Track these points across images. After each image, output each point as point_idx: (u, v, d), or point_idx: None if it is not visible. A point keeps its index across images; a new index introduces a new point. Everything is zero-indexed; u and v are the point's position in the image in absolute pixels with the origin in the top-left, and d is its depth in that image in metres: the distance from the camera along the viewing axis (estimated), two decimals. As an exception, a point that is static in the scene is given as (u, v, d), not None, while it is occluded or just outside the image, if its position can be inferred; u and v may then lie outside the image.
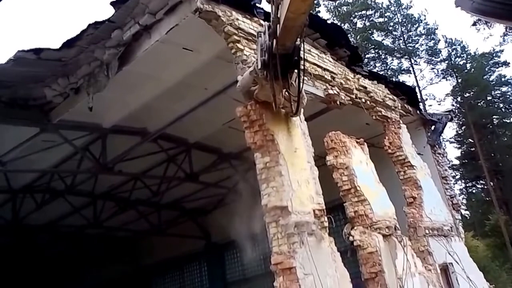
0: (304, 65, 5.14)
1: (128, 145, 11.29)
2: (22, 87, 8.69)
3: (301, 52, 5.03)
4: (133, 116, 10.16)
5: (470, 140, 36.59)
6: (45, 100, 9.16)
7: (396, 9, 40.29)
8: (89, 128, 10.58)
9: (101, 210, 15.33)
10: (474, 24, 36.59)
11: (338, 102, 8.94)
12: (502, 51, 37.58)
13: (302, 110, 6.61)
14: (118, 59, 7.91)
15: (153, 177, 13.78)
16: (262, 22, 7.15)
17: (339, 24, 29.99)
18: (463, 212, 30.77)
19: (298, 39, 4.86)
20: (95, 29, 7.36)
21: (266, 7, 7.58)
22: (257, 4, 7.57)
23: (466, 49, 39.57)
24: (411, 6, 40.26)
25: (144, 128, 11.07)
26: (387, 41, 39.77)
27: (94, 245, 16.84)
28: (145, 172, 13.40)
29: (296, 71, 5.25)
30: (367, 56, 36.51)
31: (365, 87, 9.90)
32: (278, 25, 4.62)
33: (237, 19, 7.15)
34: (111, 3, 7.03)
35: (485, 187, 35.89)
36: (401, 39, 39.67)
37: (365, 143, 8.94)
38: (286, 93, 5.57)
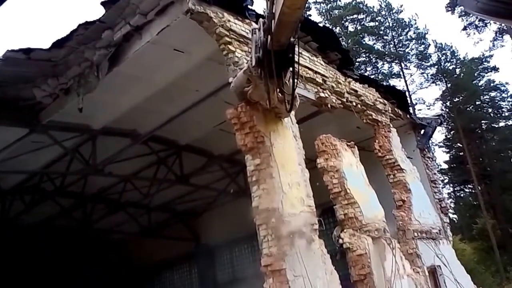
0: (298, 61, 5.10)
1: (119, 147, 11.23)
2: (11, 87, 8.60)
3: (296, 49, 5.00)
4: (124, 117, 10.11)
5: (458, 144, 36.93)
6: (35, 101, 9.08)
7: (387, 14, 40.65)
8: (79, 129, 10.50)
9: (91, 211, 15.23)
10: (465, 28, 37.15)
11: (329, 105, 8.98)
12: (492, 56, 38.08)
13: (294, 110, 6.60)
14: (109, 60, 7.86)
15: (144, 179, 13.72)
16: (254, 24, 7.16)
17: (330, 27, 30.13)
18: (451, 215, 31.11)
19: (292, 37, 4.84)
20: (85, 29, 7.31)
21: (258, 8, 7.62)
22: (248, 6, 7.58)
23: (455, 54, 40.06)
24: (402, 11, 40.75)
25: (135, 130, 11.01)
26: (378, 45, 40.15)
27: (84, 247, 16.70)
28: (135, 174, 13.35)
29: (290, 69, 5.22)
30: (358, 60, 36.74)
31: (356, 91, 9.98)
32: (273, 21, 4.59)
33: (229, 20, 7.15)
34: (102, 3, 7.00)
35: (473, 191, 36.24)
36: (391, 44, 40.03)
37: (356, 146, 9.00)
38: (279, 93, 5.54)
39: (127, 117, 10.11)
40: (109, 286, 16.60)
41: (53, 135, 10.10)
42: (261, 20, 5.12)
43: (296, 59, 5.06)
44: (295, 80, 5.17)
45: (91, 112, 9.24)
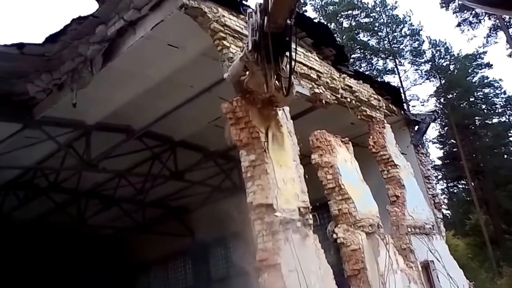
0: (296, 43, 5.00)
1: (113, 143, 11.20)
2: (4, 82, 8.54)
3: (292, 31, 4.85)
4: (118, 113, 10.07)
5: (452, 140, 37.12)
6: (28, 96, 9.02)
7: (381, 10, 40.69)
8: (73, 124, 10.45)
9: (85, 207, 15.18)
10: (459, 25, 37.28)
11: (323, 101, 8.99)
12: (485, 52, 38.27)
13: (291, 97, 6.48)
14: (102, 55, 7.83)
15: (138, 175, 13.69)
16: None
17: (325, 23, 30.13)
18: (445, 211, 31.14)
19: (289, 19, 4.72)
20: (79, 24, 7.27)
21: (253, 4, 7.59)
22: (243, 1, 7.55)
23: (449, 51, 40.20)
24: (396, 7, 40.79)
25: (129, 126, 10.98)
26: (373, 42, 40.22)
27: (78, 242, 16.65)
28: (130, 170, 13.31)
29: (287, 55, 5.07)
30: (352, 56, 36.77)
31: (351, 87, 9.99)
32: (269, 1, 4.49)
33: (224, 16, 7.14)
34: (96, -2, 6.96)
35: (466, 187, 36.48)
36: (386, 40, 40.09)
37: (350, 142, 9.04)
38: (277, 81, 5.44)
39: (121, 113, 10.08)
40: (103, 282, 16.59)
41: (46, 131, 10.05)
42: (257, 2, 4.94)
43: (293, 46, 4.94)
44: (292, 64, 5.00)
45: (85, 107, 9.20)
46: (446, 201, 36.45)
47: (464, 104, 38.36)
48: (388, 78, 37.68)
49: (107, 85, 8.83)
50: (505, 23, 31.77)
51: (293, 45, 4.94)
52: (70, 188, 13.73)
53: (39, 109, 9.34)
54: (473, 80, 38.73)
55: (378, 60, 40.37)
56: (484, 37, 37.54)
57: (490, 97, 39.29)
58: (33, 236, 15.33)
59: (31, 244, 15.44)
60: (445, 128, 38.55)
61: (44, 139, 10.29)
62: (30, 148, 10.69)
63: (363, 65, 38.72)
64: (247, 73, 5.86)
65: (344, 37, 37.31)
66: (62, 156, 11.49)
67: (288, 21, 4.67)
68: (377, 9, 40.67)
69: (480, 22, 36.28)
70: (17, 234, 14.85)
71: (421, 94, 65.22)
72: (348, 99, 9.83)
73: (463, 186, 38.76)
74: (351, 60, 34.21)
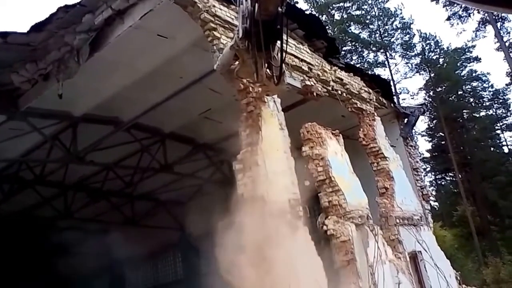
0: (287, 33, 4.94)
1: (100, 135, 11.04)
2: (-13, 72, 8.34)
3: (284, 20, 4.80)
4: (105, 104, 9.91)
5: (440, 133, 37.47)
6: (13, 86, 8.82)
7: (373, 3, 40.66)
8: (59, 116, 10.27)
9: (72, 201, 14.99)
10: (448, 18, 37.47)
11: (314, 94, 8.96)
12: (474, 46, 38.60)
13: (283, 85, 6.40)
14: (89, 45, 7.67)
15: (126, 167, 13.54)
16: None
17: (317, 15, 30.01)
18: (432, 203, 31.53)
19: (280, 7, 4.68)
20: (65, 12, 7.11)
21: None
22: (234, -9, 7.44)
23: (439, 44, 40.39)
24: (388, 0, 40.81)
25: (117, 117, 10.82)
26: (364, 34, 40.21)
27: (65, 236, 16.48)
28: (118, 163, 13.15)
29: (278, 43, 5.07)
30: (344, 48, 36.74)
31: (342, 79, 9.98)
32: None
33: (214, 6, 7.04)
34: (82, -14, 6.80)
35: (454, 179, 36.93)
36: (377, 33, 40.12)
37: (341, 135, 9.04)
38: (268, 69, 5.38)
39: (109, 104, 9.92)
40: (92, 276, 16.49)
41: (32, 122, 9.86)
42: None
43: (285, 26, 4.85)
44: (283, 51, 4.94)
45: (71, 98, 9.03)
46: (434, 193, 37.03)
47: (453, 97, 38.71)
48: (378, 71, 37.82)
49: (94, 76, 8.67)
50: (494, 17, 31.99)
51: (284, 36, 4.86)
52: (56, 181, 13.52)
53: (24, 100, 9.14)
54: (462, 74, 39.09)
55: (369, 53, 40.46)
56: (473, 31, 37.85)
57: (478, 91, 39.73)
58: (19, 230, 15.12)
59: (17, 237, 15.24)
60: (434, 121, 38.90)
61: (29, 131, 10.10)
62: (15, 140, 10.47)
63: (354, 57, 38.75)
64: (237, 62, 5.76)
65: (335, 29, 37.24)
66: (48, 148, 11.29)
67: (279, 9, 4.59)
68: (369, 1, 40.61)
69: (469, 16, 36.50)
70: (2, 228, 14.64)
71: (411, 87, 65.69)
72: (339, 92, 9.81)
73: (451, 178, 39.24)
74: (342, 52, 34.19)
